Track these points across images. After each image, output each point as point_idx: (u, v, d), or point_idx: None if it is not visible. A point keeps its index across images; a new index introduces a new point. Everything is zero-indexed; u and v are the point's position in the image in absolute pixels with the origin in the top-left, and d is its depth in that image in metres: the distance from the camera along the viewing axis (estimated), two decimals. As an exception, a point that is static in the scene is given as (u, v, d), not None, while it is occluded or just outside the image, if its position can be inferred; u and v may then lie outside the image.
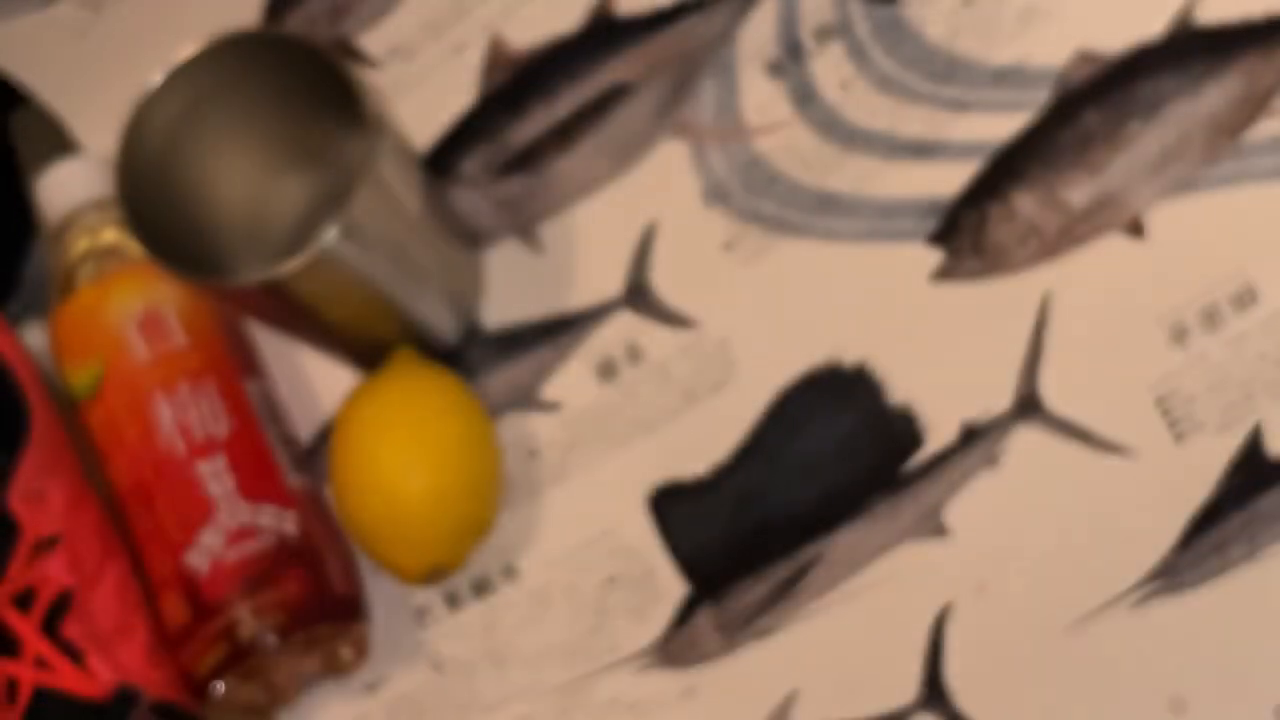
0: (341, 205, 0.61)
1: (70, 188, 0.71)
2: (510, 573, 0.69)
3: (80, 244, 0.71)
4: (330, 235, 0.60)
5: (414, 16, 0.74)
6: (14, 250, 0.79)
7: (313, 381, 0.73)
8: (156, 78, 0.64)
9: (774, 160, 0.67)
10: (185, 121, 0.65)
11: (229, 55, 0.64)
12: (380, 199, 0.62)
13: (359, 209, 0.61)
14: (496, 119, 0.72)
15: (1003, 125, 0.64)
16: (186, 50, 0.64)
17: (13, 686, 0.66)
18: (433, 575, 0.67)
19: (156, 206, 0.64)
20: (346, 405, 0.68)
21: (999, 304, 0.63)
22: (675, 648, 0.66)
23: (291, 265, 0.60)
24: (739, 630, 0.65)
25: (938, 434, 0.63)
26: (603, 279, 0.69)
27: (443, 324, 0.70)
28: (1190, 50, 0.62)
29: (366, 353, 0.70)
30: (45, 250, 0.76)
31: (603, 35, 0.71)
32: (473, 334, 0.71)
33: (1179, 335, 0.61)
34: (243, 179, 0.69)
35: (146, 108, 0.64)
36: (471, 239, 0.72)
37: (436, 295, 0.69)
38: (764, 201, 0.67)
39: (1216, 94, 0.61)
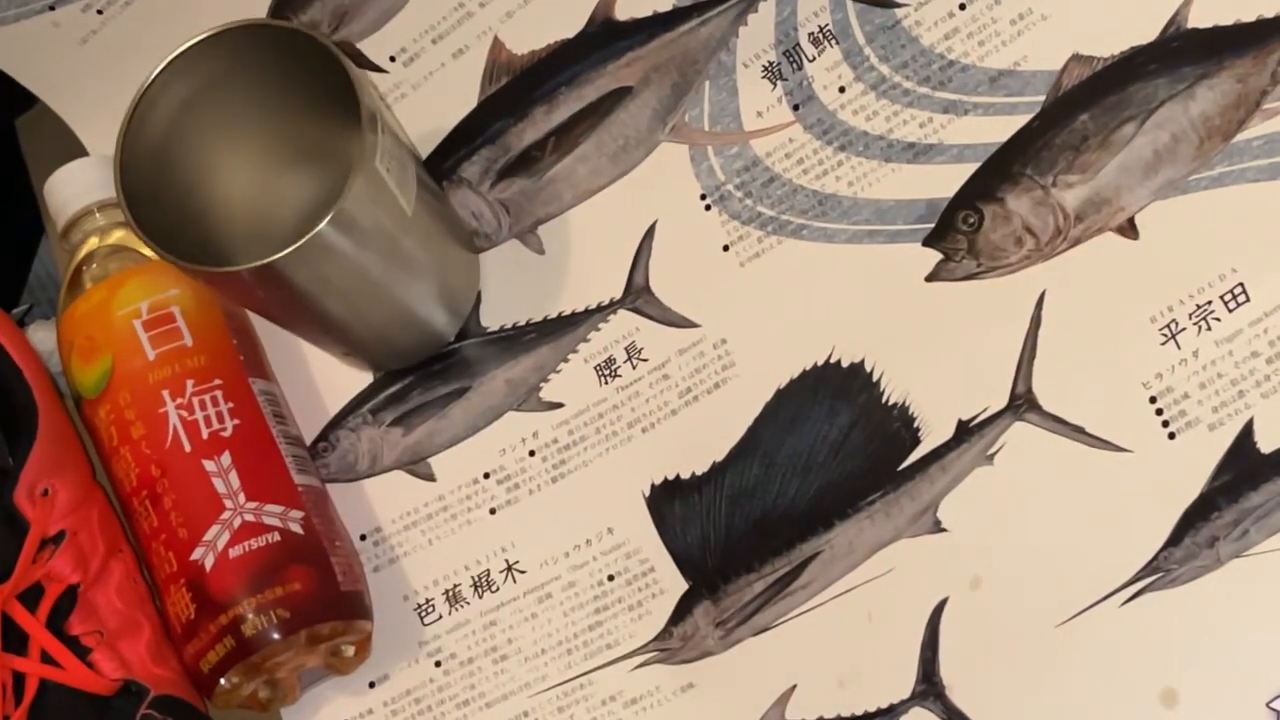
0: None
1: (77, 189, 0.71)
2: (510, 571, 0.69)
3: (88, 244, 0.71)
4: (323, 224, 0.61)
5: (415, 21, 0.74)
6: (22, 251, 0.80)
7: (318, 382, 0.73)
8: (158, 66, 0.64)
9: (772, 162, 0.68)
10: (185, 114, 0.65)
11: (228, 46, 0.64)
12: (375, 192, 0.63)
13: (353, 200, 0.61)
14: (497, 122, 0.72)
15: (998, 128, 0.64)
16: (187, 41, 0.64)
17: (19, 682, 0.66)
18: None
19: (158, 199, 0.64)
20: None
21: (994, 304, 0.63)
22: (674, 644, 0.66)
23: (285, 252, 0.60)
24: (737, 626, 0.65)
25: (934, 432, 0.64)
26: (603, 280, 0.70)
27: (437, 320, 0.70)
28: (1182, 53, 0.62)
29: (364, 347, 0.70)
30: (53, 250, 0.77)
31: (603, 39, 0.71)
32: (473, 334, 0.71)
33: (1172, 334, 0.61)
34: (245, 176, 0.69)
35: (147, 98, 0.64)
36: (472, 240, 0.72)
37: (430, 291, 0.69)
38: (762, 203, 0.68)
39: (1208, 96, 0.62)
